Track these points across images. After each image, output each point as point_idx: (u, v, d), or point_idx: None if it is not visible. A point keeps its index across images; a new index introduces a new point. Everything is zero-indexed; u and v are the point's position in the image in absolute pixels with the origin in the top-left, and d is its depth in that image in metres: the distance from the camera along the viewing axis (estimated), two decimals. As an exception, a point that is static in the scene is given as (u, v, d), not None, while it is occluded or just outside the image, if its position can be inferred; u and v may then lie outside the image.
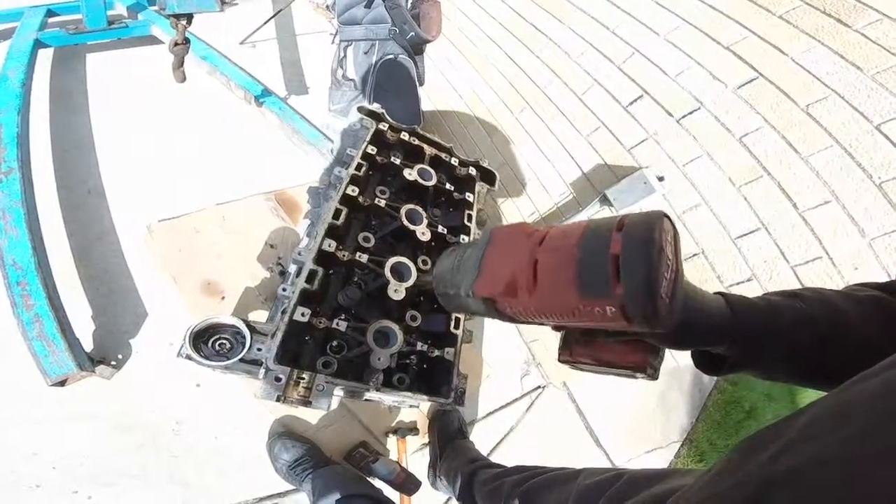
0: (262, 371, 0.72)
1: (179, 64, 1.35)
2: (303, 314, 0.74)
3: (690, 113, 1.25)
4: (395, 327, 0.82)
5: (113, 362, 1.23)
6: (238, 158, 1.72)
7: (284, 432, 1.25)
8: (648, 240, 0.31)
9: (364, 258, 0.85)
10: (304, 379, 0.71)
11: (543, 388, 1.95)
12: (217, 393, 1.31)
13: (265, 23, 1.97)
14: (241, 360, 0.99)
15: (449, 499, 1.49)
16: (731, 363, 0.45)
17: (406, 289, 0.86)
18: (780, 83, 1.16)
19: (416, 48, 1.67)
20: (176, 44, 1.28)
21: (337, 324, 0.78)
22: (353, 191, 0.90)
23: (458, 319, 0.91)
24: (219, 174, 1.65)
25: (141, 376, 1.27)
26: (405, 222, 0.92)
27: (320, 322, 0.76)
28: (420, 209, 0.97)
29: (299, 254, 0.79)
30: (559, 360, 0.52)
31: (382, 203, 0.94)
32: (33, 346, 1.09)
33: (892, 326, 0.44)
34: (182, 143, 1.69)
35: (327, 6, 2.26)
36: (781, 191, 1.14)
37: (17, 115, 1.39)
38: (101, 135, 1.62)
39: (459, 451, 1.40)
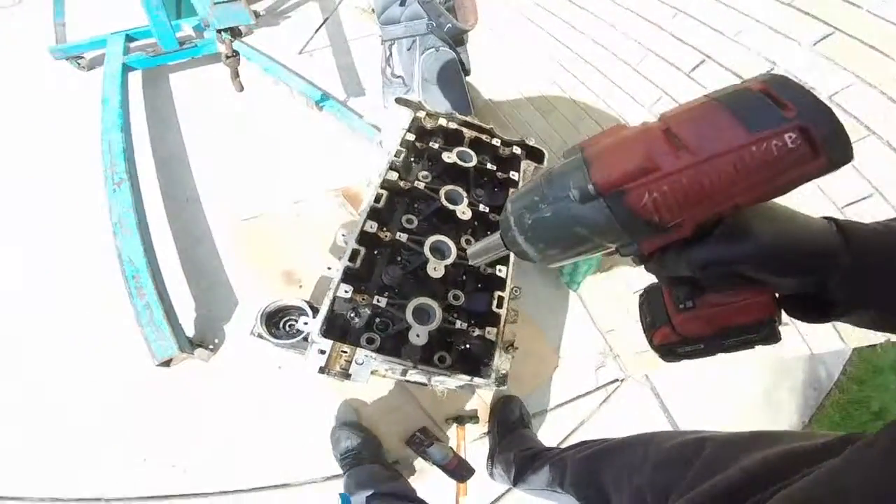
0: (309, 342, 0.77)
1: (235, 74, 1.47)
2: (345, 291, 0.78)
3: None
4: (434, 304, 0.83)
5: (210, 346, 1.40)
6: (307, 159, 1.86)
7: (347, 421, 1.32)
8: (784, 76, 0.29)
9: (404, 237, 0.88)
10: (345, 353, 0.75)
11: (622, 381, 1.80)
12: (295, 376, 1.43)
13: (315, 32, 2.10)
14: (305, 338, 1.07)
15: (507, 490, 1.46)
16: (846, 303, 0.35)
17: (446, 266, 0.87)
18: (862, 37, 0.99)
19: (456, 39, 1.66)
20: (227, 57, 1.40)
21: (378, 300, 0.81)
22: (392, 175, 0.93)
23: (500, 298, 0.90)
24: (290, 175, 1.80)
25: (233, 360, 1.43)
26: (444, 202, 0.93)
27: (363, 299, 0.80)
28: (461, 189, 0.97)
29: (343, 235, 0.83)
30: (655, 347, 0.43)
31: (422, 185, 0.96)
32: (145, 332, 1.27)
33: None
34: (257, 150, 1.86)
35: (372, 9, 2.33)
36: (892, 149, 0.96)
37: (121, 133, 1.61)
38: (191, 147, 1.85)
39: (518, 440, 1.35)
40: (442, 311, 0.83)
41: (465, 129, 1.08)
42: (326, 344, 0.74)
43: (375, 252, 0.87)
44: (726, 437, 0.61)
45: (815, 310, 0.38)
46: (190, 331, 1.43)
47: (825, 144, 0.28)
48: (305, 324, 0.75)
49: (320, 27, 2.08)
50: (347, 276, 0.80)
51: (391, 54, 1.68)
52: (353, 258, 0.81)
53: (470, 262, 0.42)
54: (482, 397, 1.61)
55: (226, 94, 1.98)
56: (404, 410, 1.48)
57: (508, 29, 1.88)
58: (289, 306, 1.14)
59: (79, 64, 1.91)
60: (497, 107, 2.00)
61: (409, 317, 0.81)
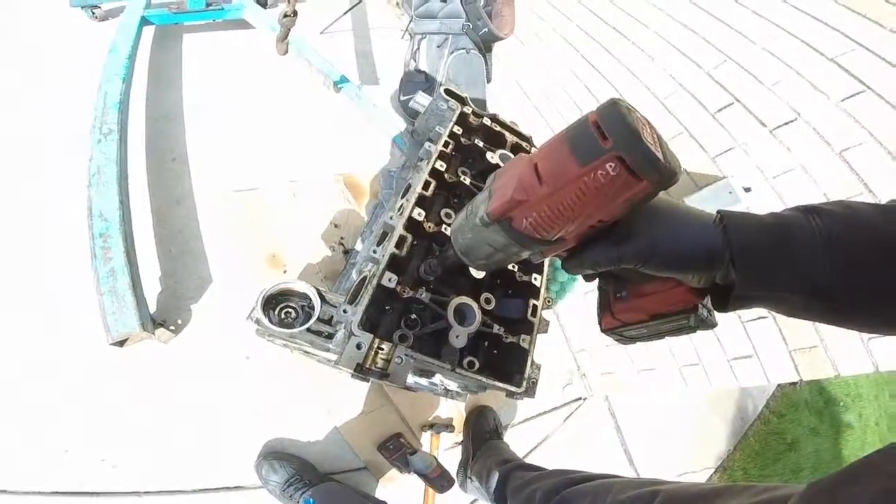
0: (345, 336, 0.68)
1: (284, 36, 1.36)
2: (390, 279, 0.70)
3: (786, 124, 1.15)
4: (475, 305, 0.77)
5: (172, 326, 1.21)
6: (311, 140, 1.73)
7: (270, 453, 1.17)
8: (615, 103, 0.33)
9: (448, 231, 0.81)
10: (383, 350, 0.67)
11: (585, 399, 1.86)
12: (264, 368, 1.29)
13: (344, 14, 2.00)
14: (308, 329, 0.97)
15: (473, 501, 1.42)
16: (736, 295, 0.37)
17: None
18: (890, 97, 1.05)
19: (486, 45, 1.65)
20: (286, 15, 1.29)
21: (421, 294, 0.73)
22: (441, 166, 0.86)
23: (534, 307, 0.85)
24: (293, 153, 1.67)
25: (196, 344, 1.25)
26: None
27: (404, 291, 0.72)
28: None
29: (391, 218, 0.75)
30: (603, 331, 0.49)
31: (467, 181, 0.90)
32: (103, 301, 1.07)
33: None
34: (262, 122, 1.71)
35: (397, 3, 2.28)
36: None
37: (122, 84, 1.44)
38: (189, 108, 1.67)
39: (493, 450, 1.33)
40: (482, 313, 0.77)
41: (507, 133, 1.03)
42: (366, 338, 0.65)
43: (414, 242, 0.79)
44: (675, 490, 0.64)
45: (718, 300, 0.41)
46: (152, 307, 1.24)
47: (640, 170, 0.32)
48: (344, 312, 0.65)
49: (348, 10, 1.99)
50: (392, 264, 0.72)
51: (419, 48, 1.62)
52: (399, 244, 0.73)
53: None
54: (458, 406, 1.57)
55: (238, 62, 1.84)
56: (379, 414, 1.40)
57: (537, 43, 1.87)
58: (293, 291, 1.02)
59: (93, 13, 1.72)
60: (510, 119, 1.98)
61: (450, 316, 0.74)
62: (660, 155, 0.32)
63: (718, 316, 0.44)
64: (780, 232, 0.36)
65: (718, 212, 0.39)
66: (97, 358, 1.14)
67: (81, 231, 1.19)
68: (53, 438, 1.07)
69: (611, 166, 0.32)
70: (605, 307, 0.48)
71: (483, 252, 0.43)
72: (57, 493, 1.02)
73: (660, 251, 0.38)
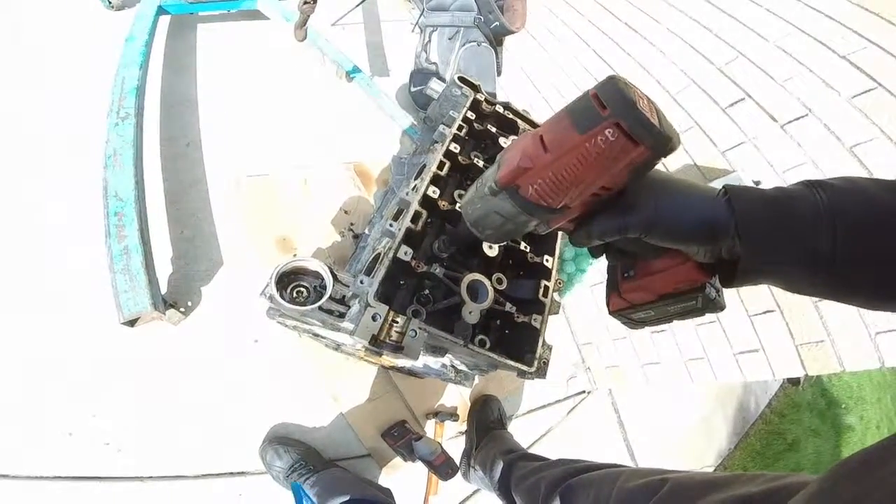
0: (360, 309, 0.68)
1: (303, 23, 1.37)
2: (406, 253, 0.71)
3: (797, 119, 1.15)
4: (487, 283, 0.77)
5: (182, 308, 1.21)
6: (323, 128, 1.74)
7: (275, 438, 1.16)
8: (612, 77, 0.35)
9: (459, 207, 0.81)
10: (398, 322, 0.67)
11: (588, 393, 1.86)
12: (272, 353, 1.29)
13: (357, 5, 2.02)
14: (320, 308, 0.97)
15: (476, 491, 1.42)
16: (742, 269, 0.38)
17: (500, 247, 0.81)
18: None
19: (497, 38, 1.66)
20: (306, 2, 1.30)
21: (435, 268, 0.74)
22: (455, 148, 0.87)
23: (546, 288, 0.85)
24: (304, 141, 1.68)
25: (205, 326, 1.25)
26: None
27: (419, 266, 0.73)
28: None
29: (406, 194, 0.76)
30: (611, 313, 0.49)
31: (480, 163, 0.91)
32: (116, 280, 1.07)
33: None
34: (274, 110, 1.72)
35: None
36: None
37: (139, 70, 1.45)
38: (203, 96, 1.67)
39: (497, 440, 1.33)
40: (494, 291, 0.77)
41: (519, 121, 1.04)
42: (382, 309, 0.65)
43: (429, 220, 0.80)
44: (683, 479, 0.64)
45: (725, 276, 0.41)
46: (163, 288, 1.24)
47: (637, 135, 0.33)
48: (361, 283, 0.66)
49: (361, 2, 2.00)
50: (407, 238, 0.72)
51: (430, 41, 1.62)
52: (415, 219, 0.74)
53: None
54: (462, 395, 1.57)
55: (251, 52, 1.85)
56: (384, 401, 1.40)
57: (548, 37, 1.87)
58: (306, 269, 1.03)
59: (109, 3, 1.72)
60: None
61: (463, 292, 0.74)
62: (655, 122, 0.33)
63: (726, 310, 0.44)
64: (784, 205, 0.36)
65: (723, 186, 0.39)
66: (105, 339, 1.13)
67: (90, 213, 1.20)
68: (57, 421, 1.04)
69: (609, 132, 0.33)
70: (612, 286, 0.48)
71: (492, 221, 0.44)
72: (59, 477, 0.99)
73: (664, 219, 0.38)
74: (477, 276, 0.77)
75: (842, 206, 0.35)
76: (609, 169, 0.35)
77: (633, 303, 0.46)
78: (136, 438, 1.09)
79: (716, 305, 0.42)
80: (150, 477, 1.07)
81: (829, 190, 0.36)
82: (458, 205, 0.82)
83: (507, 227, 0.43)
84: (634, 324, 0.49)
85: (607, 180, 0.36)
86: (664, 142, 0.34)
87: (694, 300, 0.42)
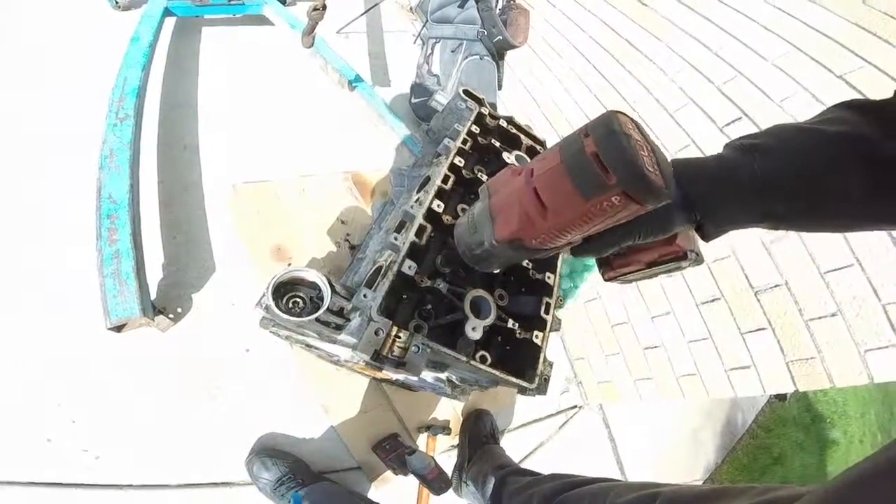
0: (362, 323, 0.66)
1: (312, 29, 1.35)
2: (410, 267, 0.69)
3: (793, 139, 1.16)
4: (490, 298, 0.76)
5: (171, 315, 1.17)
6: (323, 137, 1.72)
7: (263, 449, 1.13)
8: (612, 132, 0.34)
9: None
10: (400, 338, 0.66)
11: (580, 408, 1.85)
12: (263, 362, 1.26)
13: (361, 15, 2.01)
14: (317, 319, 0.95)
15: None
16: (707, 232, 0.46)
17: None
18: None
19: (500, 52, 1.66)
20: (315, 9, 1.29)
21: (438, 283, 0.72)
22: (459, 161, 0.86)
23: (548, 305, 0.84)
24: (303, 148, 1.66)
25: (194, 334, 1.21)
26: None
27: (422, 280, 0.71)
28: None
29: (411, 207, 0.75)
30: (606, 280, 0.53)
31: (484, 178, 0.90)
32: (105, 283, 1.03)
33: (871, 175, 0.38)
34: (274, 117, 1.71)
35: (411, 8, 2.30)
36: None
37: (141, 71, 1.43)
38: (203, 100, 1.65)
39: (490, 455, 1.31)
40: (497, 307, 0.76)
41: (522, 136, 1.03)
42: (385, 324, 0.64)
43: (432, 234, 0.78)
44: (674, 492, 0.64)
45: (702, 233, 0.47)
46: (153, 293, 1.20)
47: (643, 199, 0.35)
48: (364, 297, 0.64)
49: (365, 12, 2.00)
50: (411, 252, 0.71)
51: (432, 52, 1.62)
52: (419, 233, 0.72)
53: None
54: (455, 409, 1.54)
55: (254, 57, 1.84)
56: (376, 413, 1.37)
57: (549, 52, 1.88)
58: (303, 280, 1.01)
59: (116, 2, 1.71)
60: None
61: (466, 308, 0.73)
62: (660, 181, 0.35)
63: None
64: (729, 180, 0.42)
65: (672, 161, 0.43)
66: (90, 343, 1.09)
67: (86, 214, 1.16)
68: (35, 426, 1.00)
69: (616, 199, 0.34)
70: (604, 262, 0.53)
71: (494, 263, 0.49)
72: (33, 483, 0.95)
73: (655, 224, 0.43)
74: (480, 291, 0.75)
75: (777, 171, 0.41)
76: (613, 220, 0.38)
77: (624, 272, 0.52)
78: (116, 446, 1.04)
79: (698, 261, 0.49)
80: (130, 485, 1.02)
81: (762, 154, 0.41)
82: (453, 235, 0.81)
83: (508, 262, 0.49)
84: (626, 282, 0.54)
85: (608, 226, 0.40)
86: (668, 196, 0.36)
87: (677, 262, 0.48)
